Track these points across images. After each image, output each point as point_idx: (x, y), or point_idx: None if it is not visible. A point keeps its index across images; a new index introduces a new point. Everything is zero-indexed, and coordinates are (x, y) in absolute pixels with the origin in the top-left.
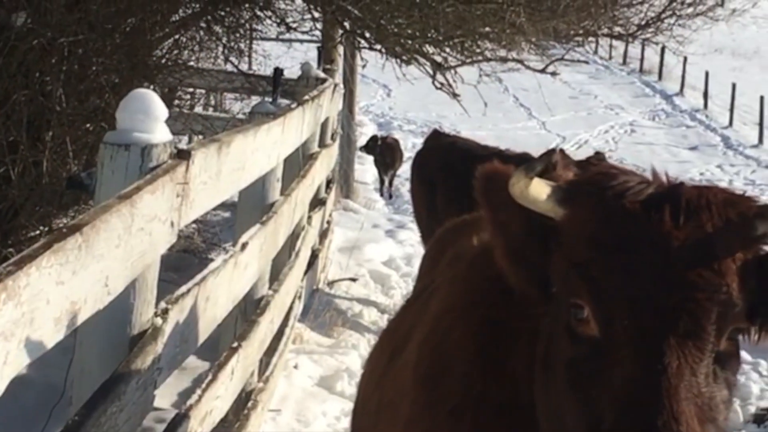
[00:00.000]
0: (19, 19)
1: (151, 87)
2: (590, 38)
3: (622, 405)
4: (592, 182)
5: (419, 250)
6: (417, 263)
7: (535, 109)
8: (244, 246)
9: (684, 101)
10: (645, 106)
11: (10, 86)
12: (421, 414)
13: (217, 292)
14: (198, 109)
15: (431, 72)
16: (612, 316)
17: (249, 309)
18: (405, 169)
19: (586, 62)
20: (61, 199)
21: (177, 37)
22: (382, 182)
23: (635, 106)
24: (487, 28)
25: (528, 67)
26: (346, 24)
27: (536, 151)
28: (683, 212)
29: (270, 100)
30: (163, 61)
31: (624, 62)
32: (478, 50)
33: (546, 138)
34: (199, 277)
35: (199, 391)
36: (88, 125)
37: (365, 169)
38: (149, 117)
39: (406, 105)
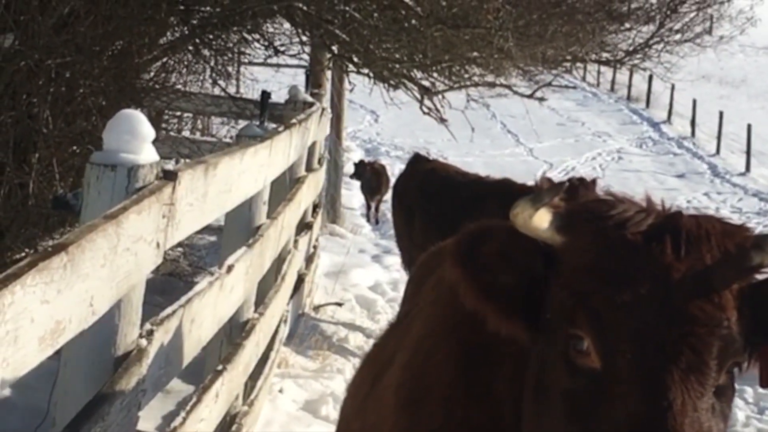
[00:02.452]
0: (7, 40)
1: (139, 110)
2: (578, 64)
3: None
4: (591, 210)
5: (405, 276)
6: (403, 288)
7: (522, 135)
8: (230, 268)
9: (671, 129)
10: (632, 134)
11: None
12: None
13: (203, 314)
14: (185, 133)
15: (419, 97)
16: (614, 349)
17: (234, 332)
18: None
19: (574, 87)
20: (47, 221)
21: (165, 60)
22: (368, 207)
23: (623, 134)
24: (475, 53)
25: (516, 93)
26: (334, 48)
27: (522, 178)
28: (684, 244)
29: (257, 123)
30: (151, 84)
31: (612, 89)
32: (466, 75)
33: (533, 165)
34: (184, 298)
35: (183, 414)
36: (74, 147)
37: (352, 194)
38: (136, 138)
39: (393, 131)
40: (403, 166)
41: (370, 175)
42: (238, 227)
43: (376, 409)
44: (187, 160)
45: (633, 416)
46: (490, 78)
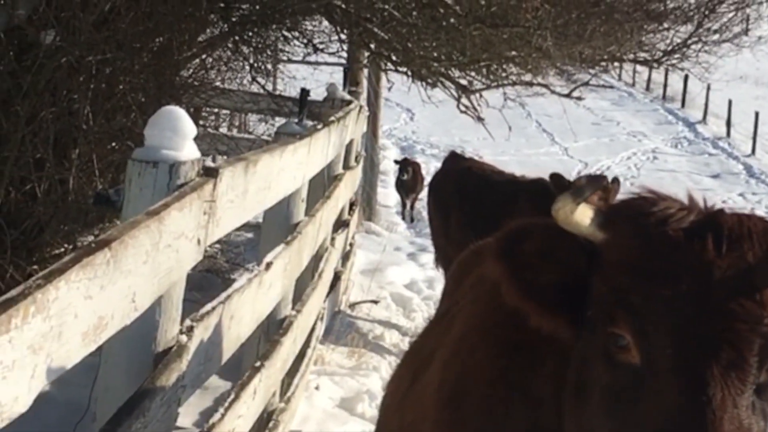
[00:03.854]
0: (48, 36)
1: (178, 107)
2: (615, 63)
3: None
4: (633, 207)
5: (440, 274)
6: (438, 286)
7: (558, 134)
8: (268, 265)
9: (707, 129)
10: (668, 134)
11: (38, 104)
12: None
13: (242, 311)
14: (223, 130)
15: (456, 95)
16: (654, 344)
17: (272, 329)
18: (426, 193)
19: (611, 87)
20: (86, 216)
21: (204, 57)
22: (403, 206)
23: (658, 134)
24: (513, 52)
25: (553, 92)
26: (372, 46)
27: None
28: (725, 241)
29: (296, 120)
30: (190, 80)
31: (647, 89)
32: (503, 74)
33: (568, 164)
34: (224, 295)
35: (221, 410)
36: (114, 144)
37: (387, 192)
38: (178, 134)
39: (429, 129)
40: (438, 165)
41: (403, 167)
42: (277, 224)
43: (416, 406)
44: (226, 157)
45: (672, 411)
46: (527, 77)
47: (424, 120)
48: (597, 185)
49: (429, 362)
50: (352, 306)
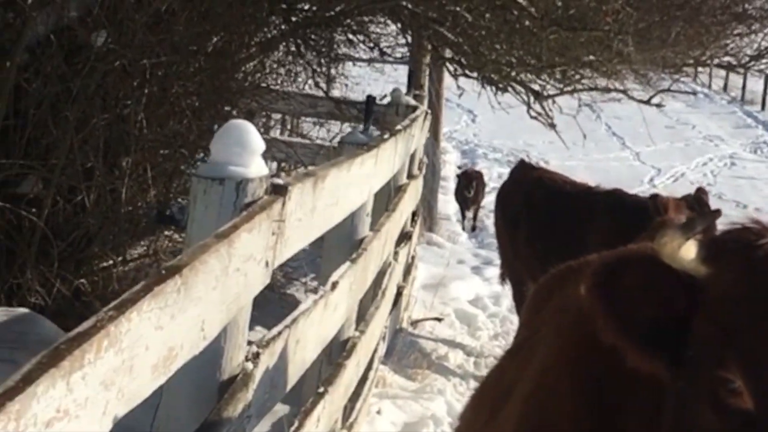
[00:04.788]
0: (100, 38)
1: (233, 111)
2: (700, 68)
3: None
4: (739, 239)
5: (507, 290)
6: (505, 302)
7: (629, 138)
8: (334, 285)
9: None
10: (746, 138)
11: (88, 109)
12: None
13: (307, 335)
14: (274, 134)
15: (527, 100)
16: None
17: (335, 351)
18: (489, 201)
19: (694, 93)
20: (136, 228)
21: (261, 58)
22: (464, 216)
23: (736, 138)
24: (591, 57)
25: (632, 98)
26: (441, 50)
27: (628, 184)
28: None
29: (361, 129)
30: (247, 84)
31: (725, 90)
32: (579, 79)
33: (640, 170)
34: (289, 318)
35: None
36: (165, 151)
37: (447, 199)
38: (246, 150)
39: (491, 132)
40: (501, 170)
41: (466, 183)
42: (340, 240)
43: None
44: (284, 165)
45: None
46: (603, 82)
47: (487, 122)
48: (710, 219)
49: (508, 395)
50: (415, 323)
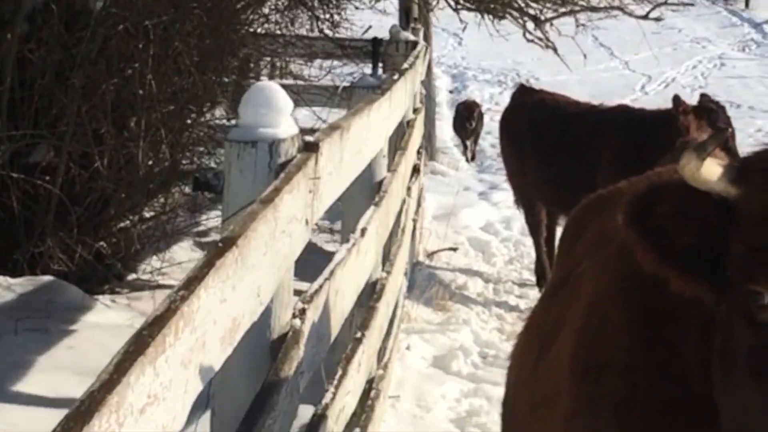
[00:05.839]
0: (98, 2)
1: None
2: None
3: None
4: (767, 159)
5: (517, 213)
6: (516, 226)
7: (616, 48)
8: (363, 231)
9: None
10: (733, 37)
11: (93, 74)
12: (582, 410)
13: (345, 285)
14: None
15: (525, 26)
16: None
17: (365, 295)
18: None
19: (692, 5)
20: (150, 186)
21: (257, 6)
22: (465, 146)
23: (723, 38)
24: None
25: (630, 15)
26: None
27: (620, 94)
28: None
29: (371, 73)
30: (245, 32)
31: None
32: (578, 1)
33: (630, 78)
34: (327, 271)
35: (332, 389)
36: (171, 107)
37: (442, 125)
38: (273, 110)
39: (479, 53)
40: (492, 90)
41: (467, 114)
42: (361, 184)
43: (549, 379)
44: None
45: None
46: (604, 2)
47: (473, 44)
48: (721, 138)
49: (556, 332)
50: (431, 255)
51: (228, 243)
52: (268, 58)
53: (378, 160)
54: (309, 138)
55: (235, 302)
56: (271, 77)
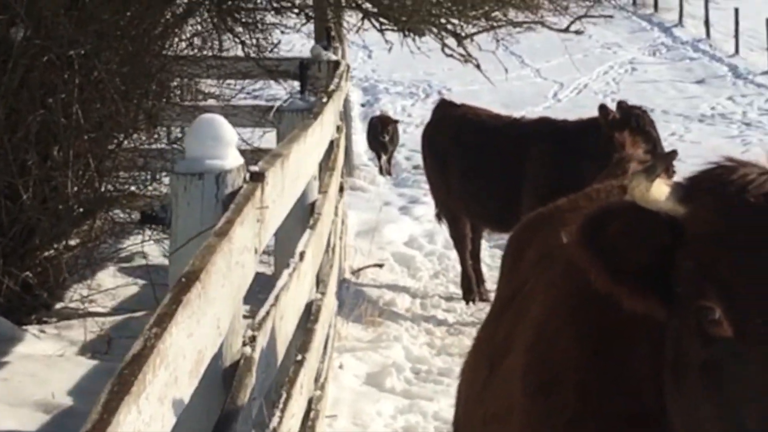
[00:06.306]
0: (19, 33)
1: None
2: None
3: (766, 406)
4: (712, 177)
5: (440, 227)
6: (439, 239)
7: (527, 56)
8: (302, 255)
9: (684, 32)
10: (643, 42)
11: (16, 104)
12: (535, 426)
13: (288, 309)
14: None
15: (448, 43)
16: (745, 315)
17: (303, 317)
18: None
19: (611, 17)
20: (74, 214)
21: (178, 32)
22: (380, 160)
23: (633, 43)
24: None
25: (551, 28)
26: (366, 5)
27: (534, 102)
28: None
29: (299, 96)
30: (167, 58)
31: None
32: (499, 18)
33: (542, 86)
34: (272, 296)
35: (278, 413)
36: (93, 134)
37: (356, 139)
38: (220, 142)
39: (389, 66)
40: (404, 102)
41: (381, 128)
42: (294, 207)
43: (500, 396)
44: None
45: None
46: (521, 16)
47: (384, 57)
48: (669, 159)
49: (506, 350)
50: (357, 273)
51: (191, 278)
52: (185, 81)
53: (311, 182)
54: (254, 168)
55: (200, 336)
56: (190, 100)
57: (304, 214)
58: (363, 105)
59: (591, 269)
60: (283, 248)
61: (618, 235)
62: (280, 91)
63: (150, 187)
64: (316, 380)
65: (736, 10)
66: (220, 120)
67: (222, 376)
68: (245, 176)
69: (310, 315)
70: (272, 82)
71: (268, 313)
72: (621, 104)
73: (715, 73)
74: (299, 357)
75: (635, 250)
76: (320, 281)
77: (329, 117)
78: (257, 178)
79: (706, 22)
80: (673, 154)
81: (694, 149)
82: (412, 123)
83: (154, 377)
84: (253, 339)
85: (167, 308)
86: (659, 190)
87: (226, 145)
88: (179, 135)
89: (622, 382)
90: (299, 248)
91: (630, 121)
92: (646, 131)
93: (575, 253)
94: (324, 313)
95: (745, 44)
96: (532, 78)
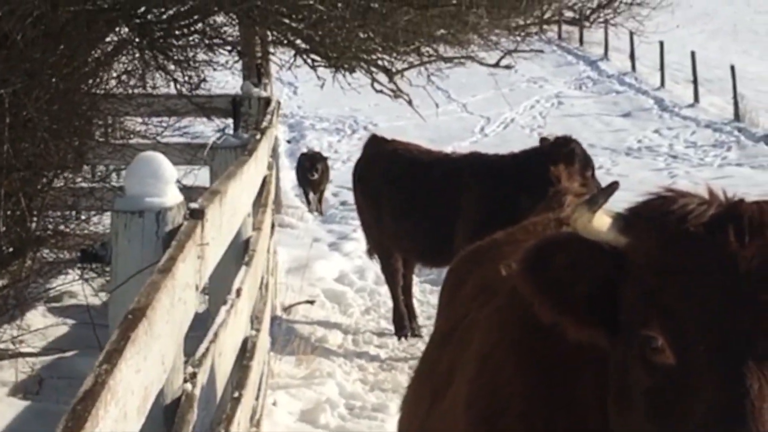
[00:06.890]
0: None
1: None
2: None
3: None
4: (652, 208)
5: (370, 262)
6: (370, 275)
7: (453, 90)
8: (239, 292)
9: (610, 65)
10: (569, 75)
11: None
12: None
13: (226, 346)
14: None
15: (379, 78)
16: (687, 343)
17: (238, 354)
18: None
19: (542, 51)
20: (3, 253)
21: (106, 69)
22: (307, 199)
23: (559, 77)
24: (443, 30)
25: (481, 63)
26: (297, 42)
27: (460, 137)
28: (747, 231)
29: (232, 133)
30: (97, 96)
31: (541, 30)
32: (430, 53)
33: (469, 121)
34: (211, 333)
35: None
36: (23, 173)
37: (283, 176)
38: (160, 180)
39: (315, 102)
40: (330, 139)
41: (309, 166)
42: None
43: (444, 428)
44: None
45: (712, 407)
46: (451, 51)
47: (309, 93)
48: (611, 192)
49: (449, 381)
50: (288, 309)
51: (138, 314)
52: (115, 119)
53: (246, 219)
54: (194, 205)
55: (147, 372)
56: (119, 138)
57: (238, 250)
58: (289, 141)
59: (535, 300)
60: (218, 285)
61: (562, 266)
62: (207, 128)
63: (78, 227)
64: (252, 418)
65: (661, 44)
66: (160, 158)
67: (164, 413)
68: (185, 213)
69: (245, 352)
70: (198, 119)
71: (207, 349)
72: (544, 140)
73: (641, 106)
74: (236, 394)
75: (579, 280)
76: (254, 318)
77: (263, 153)
78: (197, 215)
79: (632, 56)
80: (615, 185)
81: (621, 182)
82: (339, 159)
83: (106, 413)
84: (193, 375)
85: (116, 344)
86: (601, 221)
87: (165, 183)
88: (107, 173)
89: (567, 411)
90: (236, 285)
91: (569, 155)
92: (586, 157)
93: (519, 284)
94: (259, 349)
95: (671, 77)
96: (458, 113)
